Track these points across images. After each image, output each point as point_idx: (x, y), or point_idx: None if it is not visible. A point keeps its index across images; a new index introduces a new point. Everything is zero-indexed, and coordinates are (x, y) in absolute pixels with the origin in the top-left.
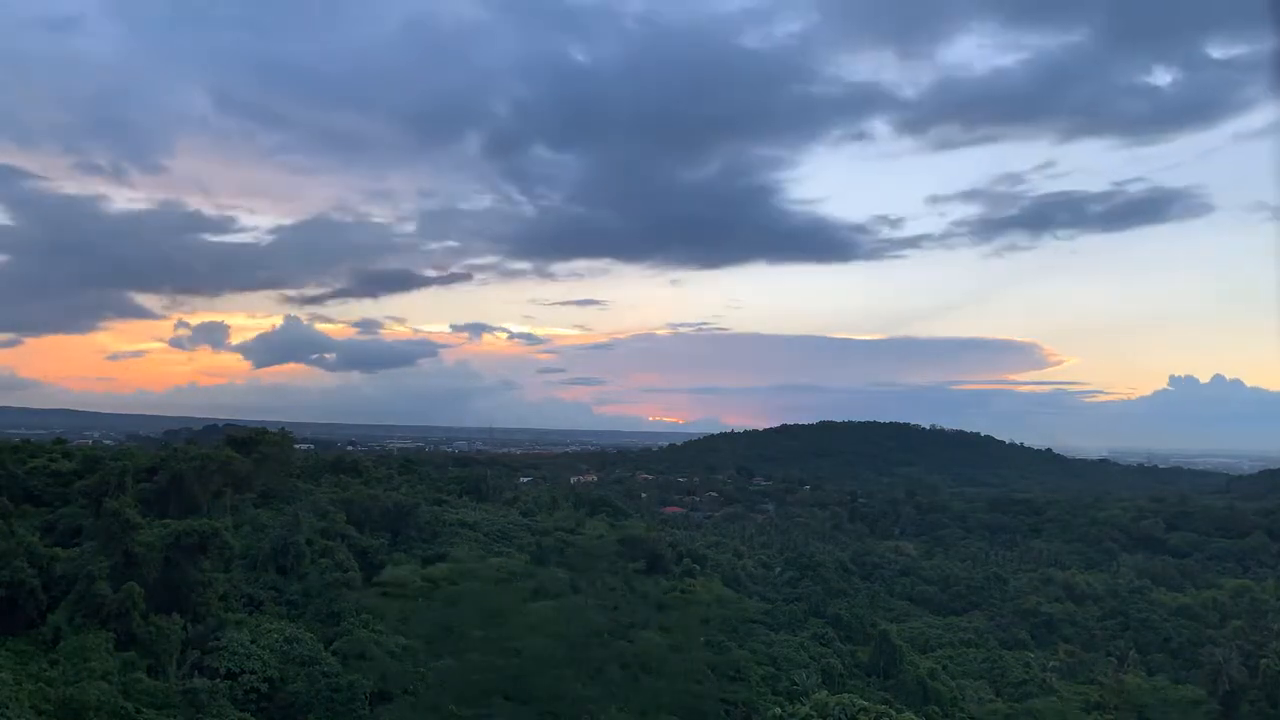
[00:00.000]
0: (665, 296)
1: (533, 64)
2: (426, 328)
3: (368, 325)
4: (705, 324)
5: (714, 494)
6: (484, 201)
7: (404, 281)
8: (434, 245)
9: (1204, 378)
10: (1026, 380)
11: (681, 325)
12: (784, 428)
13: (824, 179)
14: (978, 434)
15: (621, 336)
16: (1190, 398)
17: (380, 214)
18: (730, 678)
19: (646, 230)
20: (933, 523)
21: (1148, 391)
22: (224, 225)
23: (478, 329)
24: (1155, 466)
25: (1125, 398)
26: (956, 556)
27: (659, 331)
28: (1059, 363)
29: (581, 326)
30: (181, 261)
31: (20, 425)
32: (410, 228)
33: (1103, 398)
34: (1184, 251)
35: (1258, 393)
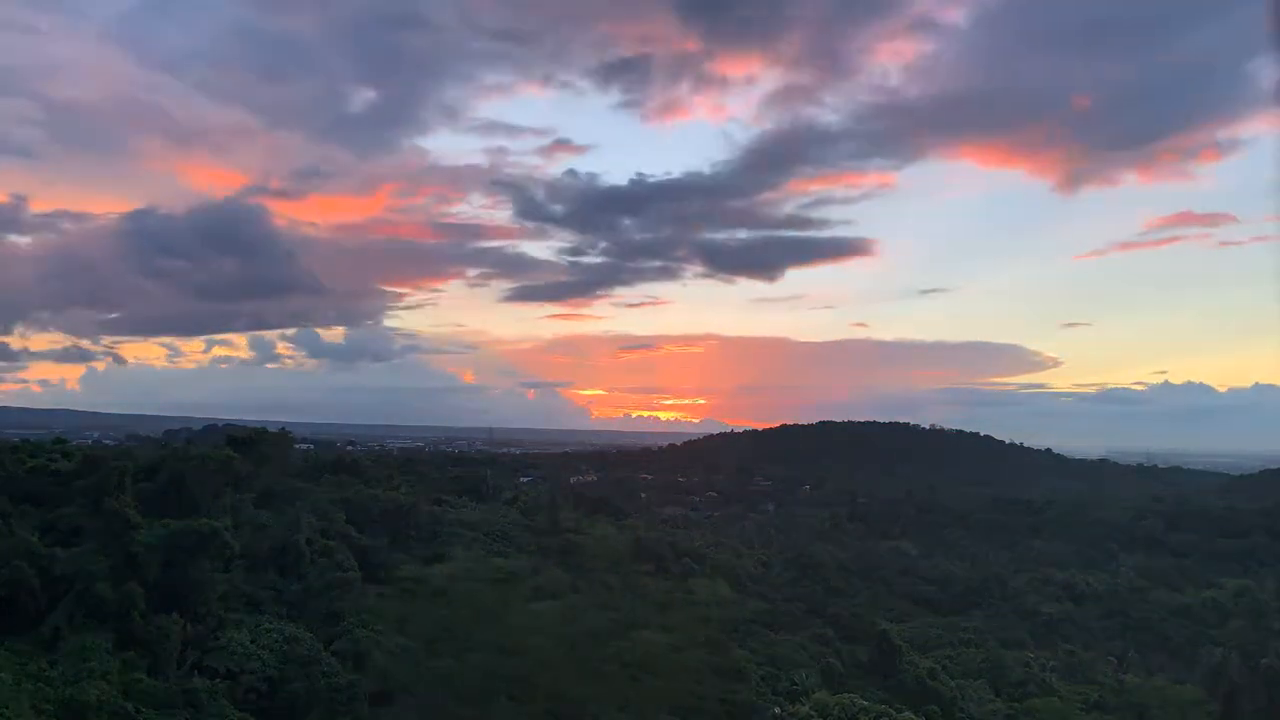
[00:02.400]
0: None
1: None
2: (428, 328)
3: (367, 324)
4: (706, 328)
5: (714, 494)
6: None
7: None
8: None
9: (1202, 376)
10: (1024, 381)
11: (683, 328)
12: (784, 428)
13: None
14: (977, 434)
15: (624, 338)
16: (1189, 397)
17: None
18: (730, 678)
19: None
20: (933, 523)
21: (1144, 390)
22: None
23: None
24: (1155, 466)
25: (1121, 394)
26: (956, 556)
27: (661, 333)
28: (1055, 364)
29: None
30: None
31: (20, 425)
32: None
33: (1098, 395)
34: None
35: (1257, 391)
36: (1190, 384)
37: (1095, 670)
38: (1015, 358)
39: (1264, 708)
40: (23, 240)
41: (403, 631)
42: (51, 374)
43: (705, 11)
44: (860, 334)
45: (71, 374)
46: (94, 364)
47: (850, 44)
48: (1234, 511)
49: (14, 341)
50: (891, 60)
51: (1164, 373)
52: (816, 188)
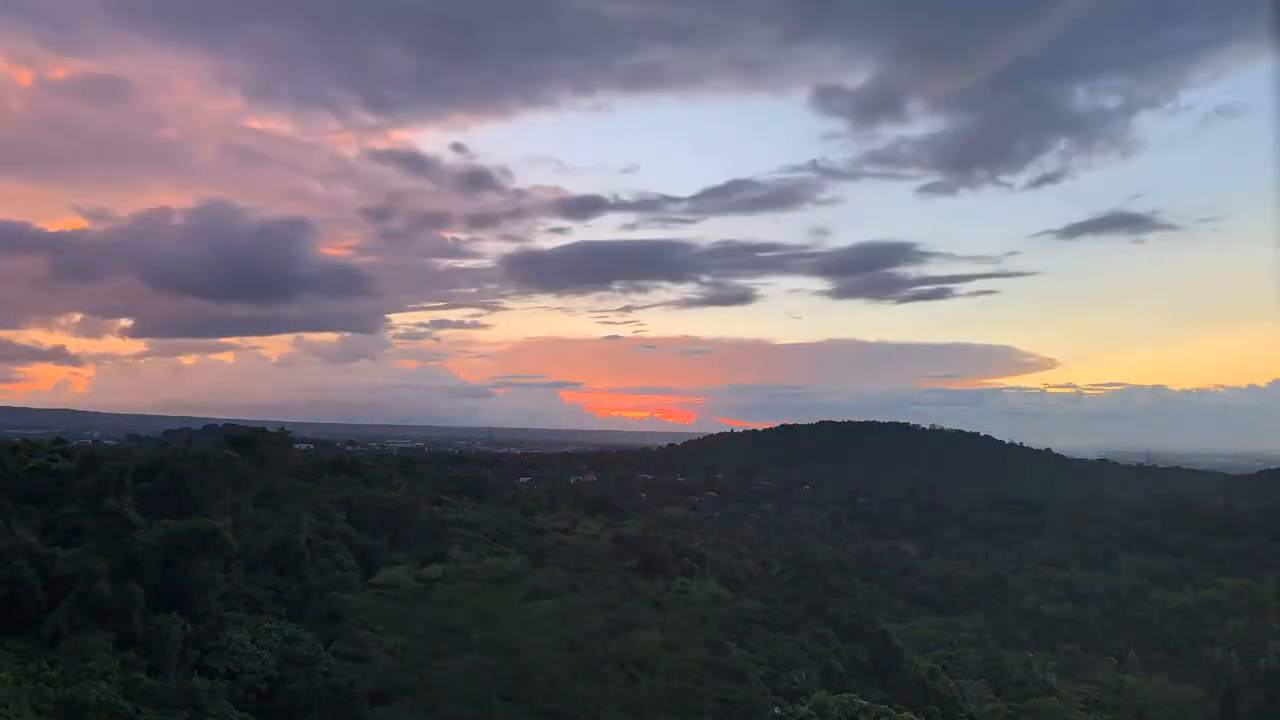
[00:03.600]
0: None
1: None
2: (427, 330)
3: (367, 326)
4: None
5: (714, 494)
6: None
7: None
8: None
9: (1198, 376)
10: (1017, 382)
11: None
12: (784, 428)
13: None
14: (976, 434)
15: (620, 341)
16: (1186, 397)
17: None
18: (729, 677)
19: None
20: (933, 523)
21: (1139, 390)
22: None
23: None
24: (1155, 466)
25: (1115, 394)
26: (956, 556)
27: (661, 335)
28: (1051, 365)
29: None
30: None
31: (20, 425)
32: None
33: (1094, 396)
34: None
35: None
36: (1155, 386)
37: (1095, 670)
38: (995, 359)
39: (1263, 708)
40: (34, 245)
41: (402, 631)
42: (52, 374)
43: None
44: (843, 335)
45: (72, 374)
46: (94, 364)
47: None
48: (1233, 511)
49: (17, 338)
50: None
51: (1130, 376)
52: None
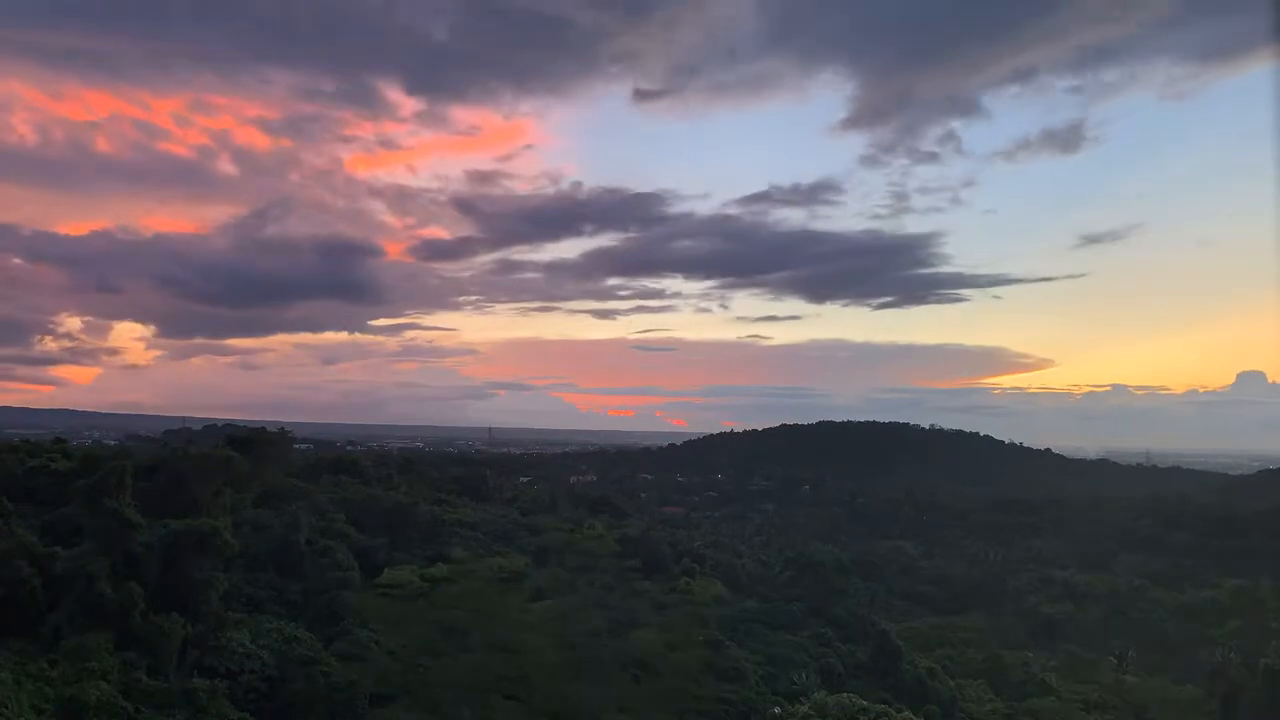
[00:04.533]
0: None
1: None
2: (427, 331)
3: (367, 327)
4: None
5: (714, 494)
6: None
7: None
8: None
9: (1197, 374)
10: (1014, 382)
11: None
12: (784, 428)
13: None
14: (976, 434)
15: (622, 341)
16: (1174, 396)
17: None
18: (729, 677)
19: None
20: (932, 523)
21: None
22: None
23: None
24: (1154, 466)
25: (1106, 394)
26: (956, 556)
27: (658, 336)
28: (1049, 364)
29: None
30: None
31: (20, 425)
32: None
33: (1088, 395)
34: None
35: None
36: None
37: (1095, 670)
38: (993, 359)
39: (1263, 708)
40: (49, 251)
41: (402, 631)
42: (54, 375)
43: None
44: (840, 337)
45: (72, 375)
46: (96, 366)
47: None
48: (1233, 511)
49: (21, 339)
50: None
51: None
52: None
